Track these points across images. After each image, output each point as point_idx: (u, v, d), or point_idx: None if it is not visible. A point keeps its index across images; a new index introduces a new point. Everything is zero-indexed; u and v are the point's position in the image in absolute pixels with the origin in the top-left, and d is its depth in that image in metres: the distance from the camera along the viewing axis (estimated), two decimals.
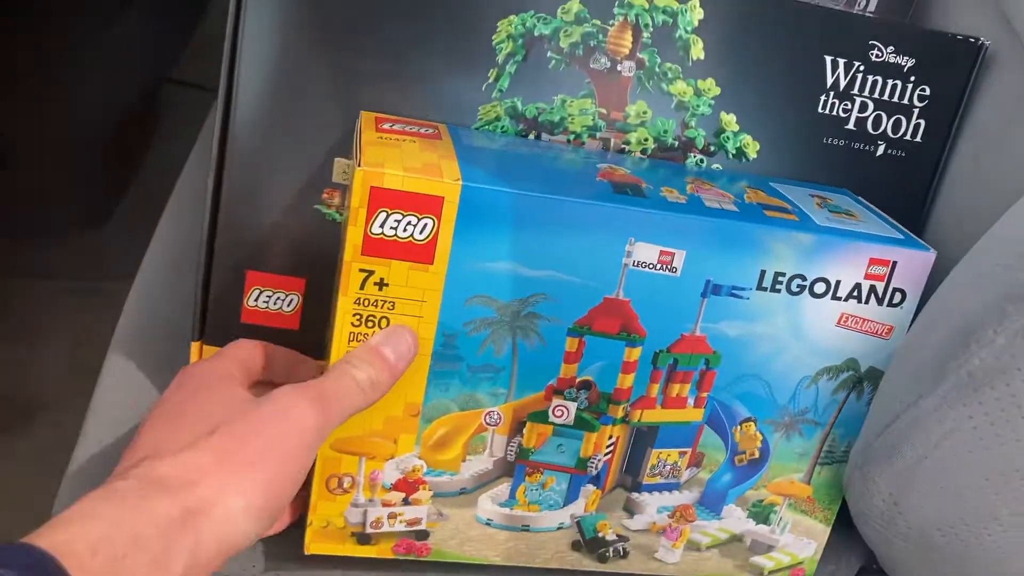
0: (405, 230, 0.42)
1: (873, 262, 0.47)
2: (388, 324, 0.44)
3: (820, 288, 0.47)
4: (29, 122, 1.06)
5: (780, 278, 0.46)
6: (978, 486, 0.43)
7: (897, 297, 0.47)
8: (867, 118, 0.55)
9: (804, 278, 0.46)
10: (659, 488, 0.50)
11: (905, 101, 0.55)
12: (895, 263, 0.47)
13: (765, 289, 0.46)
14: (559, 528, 0.50)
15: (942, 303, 0.45)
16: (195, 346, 0.54)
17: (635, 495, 0.50)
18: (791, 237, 0.45)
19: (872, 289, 0.47)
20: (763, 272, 0.46)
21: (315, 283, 0.53)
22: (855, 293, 0.47)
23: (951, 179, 0.57)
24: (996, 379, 0.39)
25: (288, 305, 0.53)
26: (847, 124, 0.54)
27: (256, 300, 0.53)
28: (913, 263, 0.47)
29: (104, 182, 1.21)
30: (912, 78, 0.54)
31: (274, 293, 0.53)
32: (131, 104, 1.15)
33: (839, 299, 0.47)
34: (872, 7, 0.61)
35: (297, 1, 0.48)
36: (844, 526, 0.53)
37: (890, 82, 0.54)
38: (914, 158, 0.56)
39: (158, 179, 1.25)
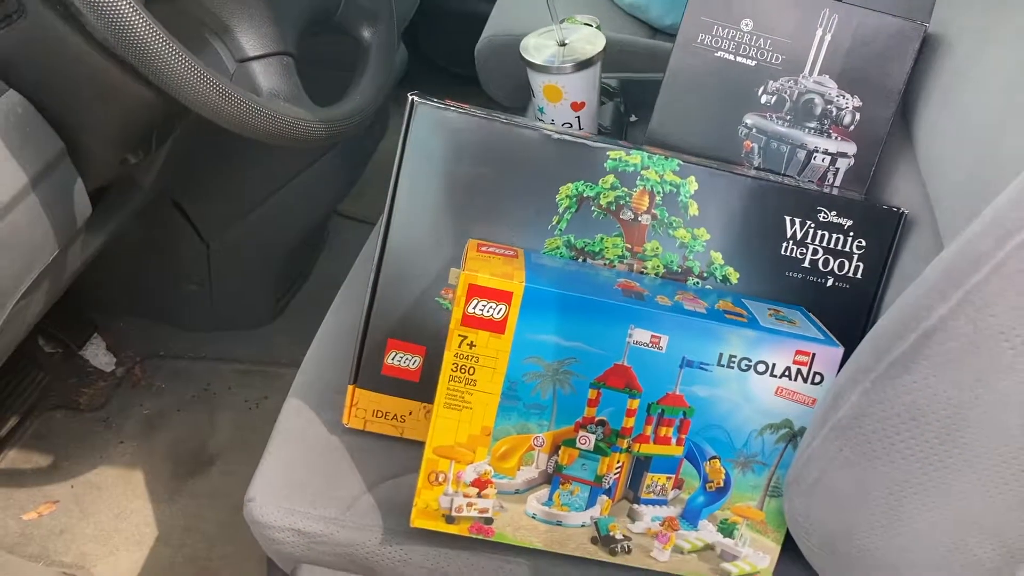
0: (488, 311, 0.69)
1: (798, 352, 0.69)
2: (474, 372, 0.70)
3: (761, 368, 0.70)
4: (233, 232, 1.39)
5: (733, 359, 0.69)
6: (855, 502, 0.63)
7: (817, 378, 0.70)
8: (818, 260, 0.78)
9: (750, 360, 0.69)
10: (653, 502, 0.73)
11: (847, 249, 0.78)
12: (814, 354, 0.69)
13: (723, 366, 0.69)
14: (582, 525, 0.73)
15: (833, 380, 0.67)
16: (350, 388, 0.81)
17: (636, 506, 0.73)
18: (740, 332, 0.69)
19: (799, 371, 0.70)
20: (721, 354, 0.69)
21: (432, 350, 0.79)
22: (787, 373, 0.70)
23: (884, 304, 0.79)
24: (853, 424, 0.61)
25: (413, 364, 0.80)
26: (803, 263, 0.78)
27: (393, 359, 0.80)
28: (827, 355, 0.69)
29: (278, 287, 1.55)
30: (851, 233, 0.78)
31: (405, 355, 0.80)
32: (309, 227, 1.49)
33: (776, 376, 0.70)
34: (838, 181, 0.86)
35: (433, 170, 0.76)
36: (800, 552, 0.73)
37: (834, 235, 0.78)
38: (855, 289, 0.79)
39: (319, 290, 1.59)
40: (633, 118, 1.34)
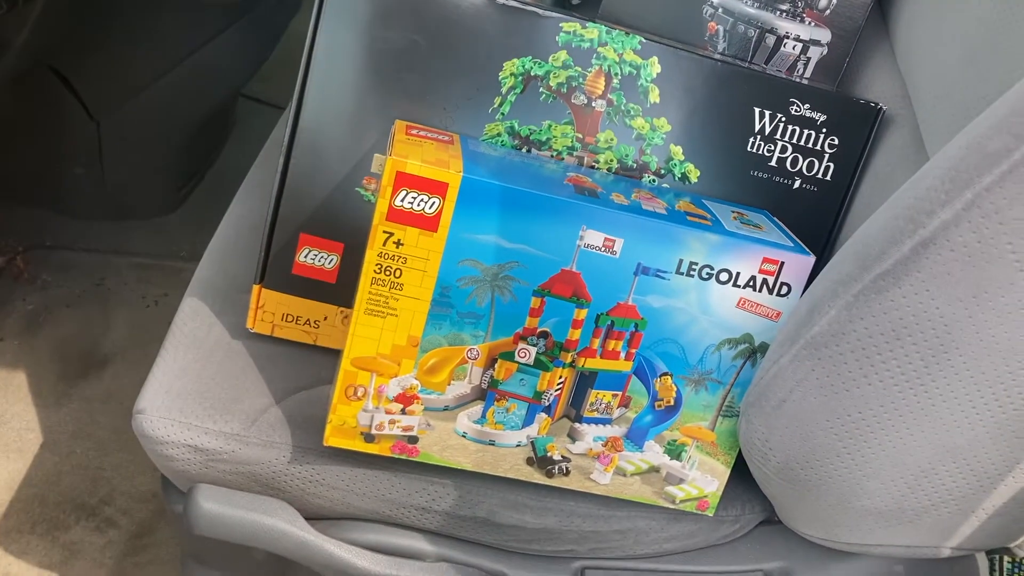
0: (419, 205, 0.59)
1: (766, 260, 0.62)
2: (401, 274, 0.60)
3: (724, 277, 0.62)
4: (125, 110, 1.24)
5: (694, 266, 0.62)
6: (822, 427, 0.57)
7: (784, 289, 0.63)
8: (786, 158, 0.70)
9: (712, 268, 0.62)
10: (595, 421, 0.66)
11: (818, 147, 0.70)
12: (783, 263, 0.62)
13: (682, 274, 0.62)
14: (517, 445, 0.66)
15: (803, 294, 0.60)
16: (255, 288, 0.71)
17: (577, 425, 0.66)
18: (703, 236, 0.61)
19: (765, 281, 0.62)
20: (680, 260, 0.61)
21: (351, 247, 0.69)
22: (751, 283, 0.62)
23: (854, 210, 0.72)
24: (830, 341, 0.55)
25: (329, 263, 0.70)
26: (770, 162, 0.70)
27: (305, 256, 0.70)
28: (797, 264, 0.62)
29: (179, 174, 1.40)
30: (824, 130, 0.70)
31: (319, 252, 0.70)
32: (211, 108, 1.34)
33: (739, 287, 0.62)
34: (808, 73, 0.78)
35: (354, 40, 0.65)
36: (750, 479, 0.67)
37: (806, 131, 0.70)
38: (824, 192, 0.72)
39: (223, 178, 1.45)
40: (576, 0, 1.23)
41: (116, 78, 1.20)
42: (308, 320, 0.72)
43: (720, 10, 0.76)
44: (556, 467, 0.66)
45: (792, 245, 0.63)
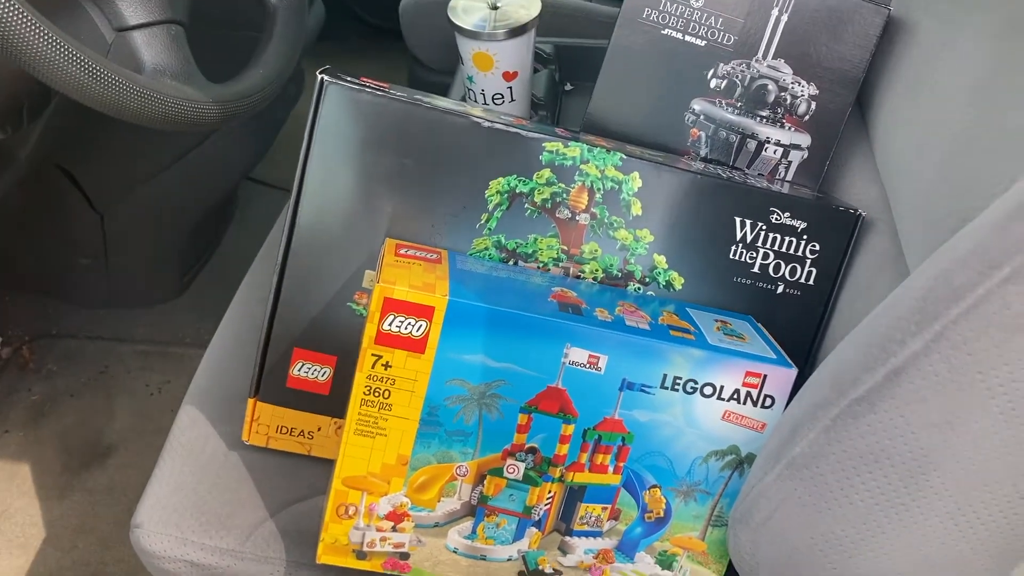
0: (406, 328, 0.60)
1: (748, 374, 0.63)
2: (390, 395, 0.62)
3: (708, 390, 0.63)
4: (129, 203, 1.27)
5: (678, 381, 0.63)
6: (807, 544, 0.58)
7: (768, 401, 0.64)
8: (769, 265, 0.72)
9: (696, 382, 0.63)
10: (586, 534, 0.66)
11: (799, 254, 0.72)
12: (766, 376, 0.63)
13: (667, 388, 0.63)
14: (509, 559, 0.66)
15: (785, 407, 0.61)
16: (251, 401, 0.72)
17: (568, 538, 0.66)
18: (686, 351, 0.62)
19: (748, 394, 0.63)
20: (665, 375, 0.63)
21: (343, 360, 0.71)
22: (735, 396, 0.63)
23: (837, 314, 0.73)
24: (811, 463, 0.55)
25: (322, 375, 0.71)
26: (753, 268, 0.72)
27: (299, 370, 0.71)
28: (779, 376, 0.63)
29: (182, 262, 1.43)
30: (805, 237, 0.71)
31: (313, 366, 0.71)
32: (214, 198, 1.37)
33: (723, 400, 0.63)
34: (790, 176, 0.79)
35: (345, 164, 0.67)
36: None
37: (787, 239, 0.71)
38: (808, 297, 0.73)
39: (227, 261, 1.47)
40: (568, 87, 1.26)
41: (119, 173, 1.23)
42: (302, 431, 0.73)
43: (702, 117, 0.79)
44: None
45: (775, 357, 0.64)
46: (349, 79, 0.67)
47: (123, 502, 1.18)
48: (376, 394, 0.61)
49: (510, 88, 0.98)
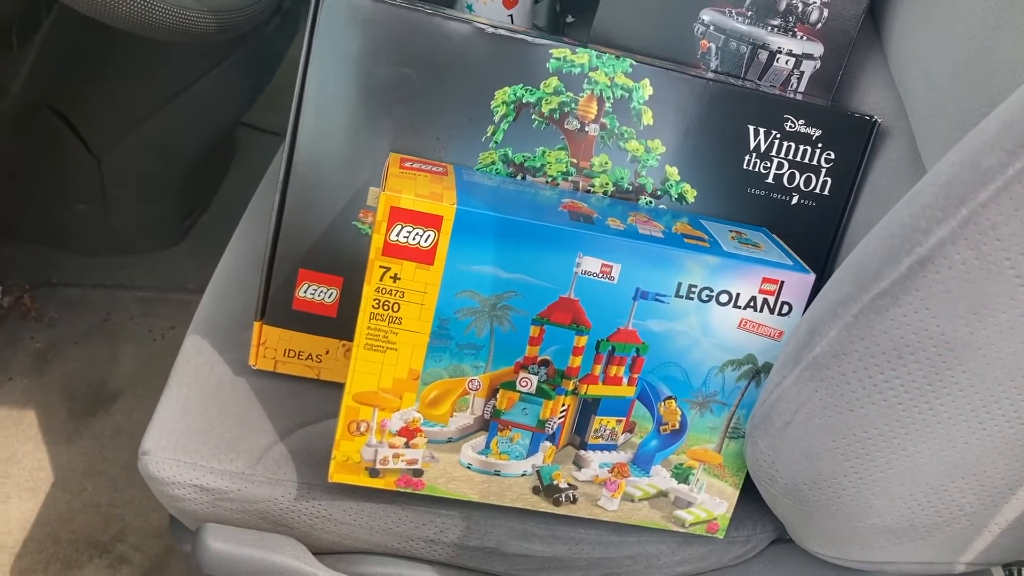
0: (414, 239, 0.59)
1: (765, 280, 0.62)
2: (399, 308, 0.60)
3: (724, 298, 0.62)
4: (126, 145, 1.25)
5: (693, 289, 0.61)
6: (827, 447, 0.57)
7: (785, 308, 0.62)
8: (783, 175, 0.70)
9: (711, 290, 0.61)
10: (601, 448, 0.65)
11: (814, 163, 0.70)
12: (783, 282, 0.62)
13: (681, 297, 0.61)
14: (523, 475, 0.65)
15: (804, 313, 0.60)
16: (256, 325, 0.71)
17: (582, 452, 0.65)
18: (701, 258, 0.61)
19: (765, 301, 0.62)
20: (679, 284, 0.61)
21: (350, 281, 0.69)
22: (752, 303, 0.62)
23: (853, 224, 0.72)
24: (832, 362, 0.54)
25: (329, 297, 0.70)
26: (767, 179, 0.70)
27: (305, 292, 0.70)
28: (797, 282, 0.62)
29: (182, 207, 1.41)
30: (820, 145, 0.70)
31: (319, 287, 0.70)
32: (211, 140, 1.35)
33: (739, 307, 0.62)
34: (802, 87, 0.77)
35: (345, 76, 0.65)
36: (760, 499, 0.67)
37: (801, 147, 0.70)
38: (823, 207, 0.71)
39: (226, 207, 1.45)
40: (570, 18, 1.23)
41: (115, 115, 1.20)
42: (310, 355, 0.72)
43: (712, 28, 0.76)
44: (563, 495, 0.66)
45: (792, 264, 0.63)
46: None
47: (130, 445, 1.18)
48: (385, 307, 0.60)
49: (510, 16, 0.96)
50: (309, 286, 0.70)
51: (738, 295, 0.62)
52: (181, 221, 1.41)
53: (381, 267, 0.59)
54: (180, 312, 1.35)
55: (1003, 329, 0.49)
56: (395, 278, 0.60)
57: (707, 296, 0.62)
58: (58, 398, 1.23)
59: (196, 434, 0.69)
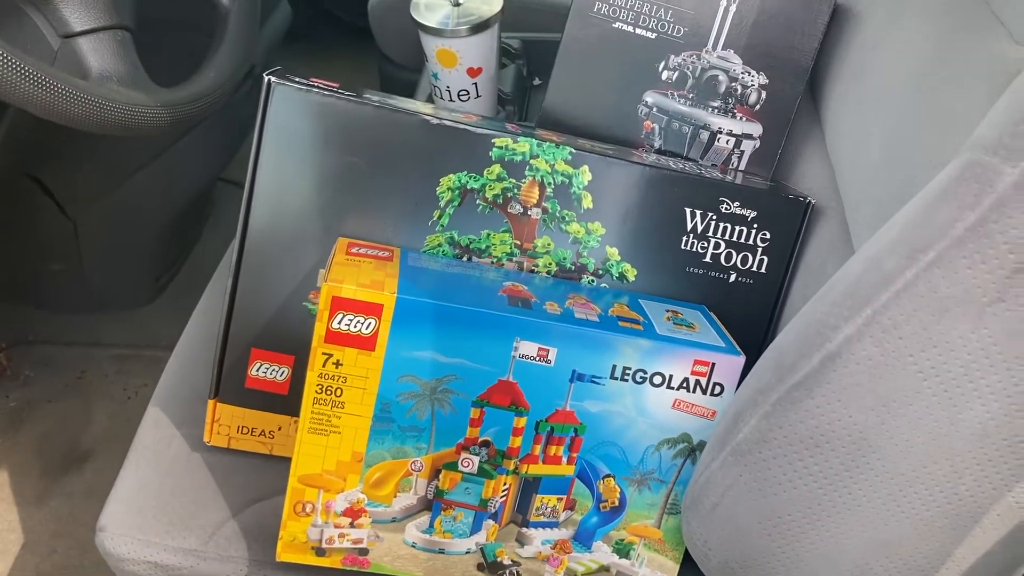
0: (355, 326, 0.61)
1: (697, 362, 0.64)
2: (342, 393, 0.62)
3: (658, 380, 0.64)
4: (101, 207, 1.27)
5: (627, 371, 0.63)
6: (755, 529, 0.59)
7: (717, 389, 0.64)
8: (720, 254, 0.72)
9: (645, 372, 0.64)
10: (543, 525, 0.67)
11: (750, 242, 0.72)
12: (714, 364, 0.64)
13: (616, 379, 0.63)
14: (467, 552, 0.67)
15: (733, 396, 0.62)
16: (211, 403, 0.72)
17: (525, 530, 0.67)
18: (635, 342, 0.63)
19: (698, 382, 0.64)
20: (614, 366, 0.63)
21: (301, 360, 0.71)
22: (685, 384, 0.64)
23: (790, 301, 0.74)
24: (754, 448, 0.56)
25: (281, 375, 0.72)
26: (705, 258, 0.72)
27: (258, 370, 0.71)
28: (727, 364, 0.64)
29: (157, 265, 1.43)
30: (755, 225, 0.72)
31: (271, 366, 0.71)
32: (186, 200, 1.37)
33: (673, 388, 0.64)
34: (743, 165, 0.80)
35: (295, 165, 0.68)
36: (701, 572, 0.68)
37: (737, 228, 0.72)
38: (760, 285, 0.73)
39: (202, 264, 1.47)
40: (537, 81, 1.26)
41: (90, 179, 1.23)
42: (263, 431, 0.73)
43: (655, 109, 0.79)
44: (507, 572, 0.67)
45: (723, 345, 0.65)
46: (297, 80, 0.67)
47: (101, 506, 1.18)
48: (328, 392, 0.62)
49: (475, 84, 0.98)
50: (261, 365, 0.71)
51: (671, 376, 0.64)
52: (156, 280, 1.43)
53: (324, 353, 0.61)
54: (153, 369, 1.36)
55: (911, 420, 0.51)
56: (337, 364, 0.61)
57: (641, 378, 0.64)
58: (31, 457, 1.24)
59: (151, 511, 0.71)
